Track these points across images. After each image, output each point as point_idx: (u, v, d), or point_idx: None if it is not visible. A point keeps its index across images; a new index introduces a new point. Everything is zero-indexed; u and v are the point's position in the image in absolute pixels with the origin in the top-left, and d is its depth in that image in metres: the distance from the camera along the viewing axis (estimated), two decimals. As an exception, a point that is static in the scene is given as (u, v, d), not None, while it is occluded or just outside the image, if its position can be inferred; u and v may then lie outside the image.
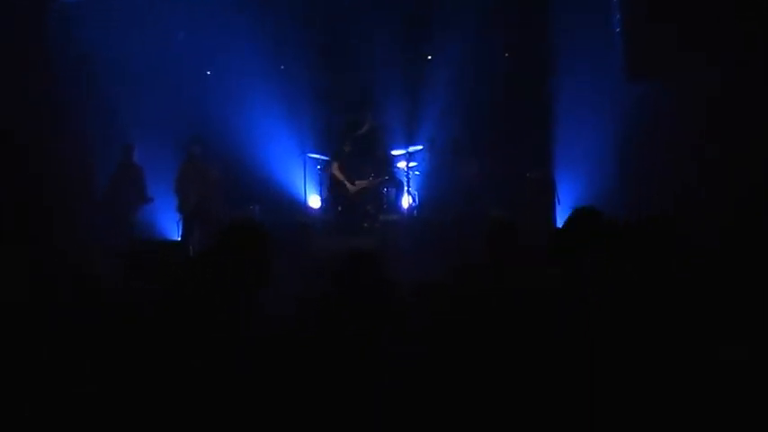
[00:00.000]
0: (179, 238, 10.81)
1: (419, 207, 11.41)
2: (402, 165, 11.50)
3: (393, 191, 11.42)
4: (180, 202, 10.89)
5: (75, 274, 4.15)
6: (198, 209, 10.76)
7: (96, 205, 11.21)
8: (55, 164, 10.49)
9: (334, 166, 11.22)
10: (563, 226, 4.17)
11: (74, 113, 11.04)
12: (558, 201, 10.31)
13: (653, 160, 9.93)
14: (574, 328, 3.45)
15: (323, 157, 11.69)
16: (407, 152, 11.49)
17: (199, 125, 11.55)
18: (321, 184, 11.76)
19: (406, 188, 11.37)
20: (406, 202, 11.43)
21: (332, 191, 11.28)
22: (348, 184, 11.08)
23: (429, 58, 12.22)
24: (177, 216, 11.01)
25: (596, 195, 10.44)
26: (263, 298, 3.79)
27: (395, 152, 11.61)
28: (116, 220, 10.87)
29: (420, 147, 11.64)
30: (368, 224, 10.87)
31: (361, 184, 11.11)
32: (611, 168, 10.48)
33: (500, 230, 4.80)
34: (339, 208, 11.16)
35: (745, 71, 8.76)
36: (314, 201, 11.94)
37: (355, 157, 11.20)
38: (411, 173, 11.44)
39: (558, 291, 3.79)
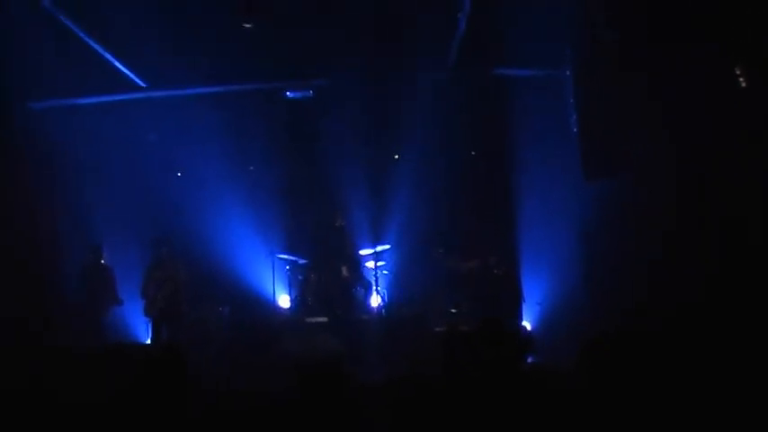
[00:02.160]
0: (149, 341, 10.76)
1: (388, 306, 11.43)
2: (370, 264, 11.54)
3: (362, 290, 11.45)
4: (147, 304, 10.85)
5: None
6: (165, 311, 10.72)
7: (69, 307, 11.17)
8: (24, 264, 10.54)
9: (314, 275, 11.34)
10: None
11: (41, 215, 11.13)
12: (524, 299, 10.34)
13: (617, 257, 10.00)
14: None
15: (291, 258, 11.73)
16: (375, 251, 11.55)
17: (168, 226, 11.60)
18: (290, 285, 11.78)
19: (374, 287, 11.42)
20: (374, 301, 11.47)
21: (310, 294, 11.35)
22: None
23: (396, 157, 12.39)
24: (146, 318, 10.97)
25: (561, 293, 10.54)
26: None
27: (363, 252, 11.68)
28: (88, 322, 10.81)
29: (387, 246, 11.73)
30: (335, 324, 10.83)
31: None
32: (575, 265, 10.57)
33: (454, 339, 4.84)
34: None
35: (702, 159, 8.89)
36: (283, 300, 11.93)
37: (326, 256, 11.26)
38: (379, 272, 11.49)
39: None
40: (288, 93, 11.25)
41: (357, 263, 11.49)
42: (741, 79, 7.92)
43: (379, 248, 11.66)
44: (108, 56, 10.14)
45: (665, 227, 9.29)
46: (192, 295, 11.16)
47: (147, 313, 10.86)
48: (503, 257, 10.72)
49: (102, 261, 11.29)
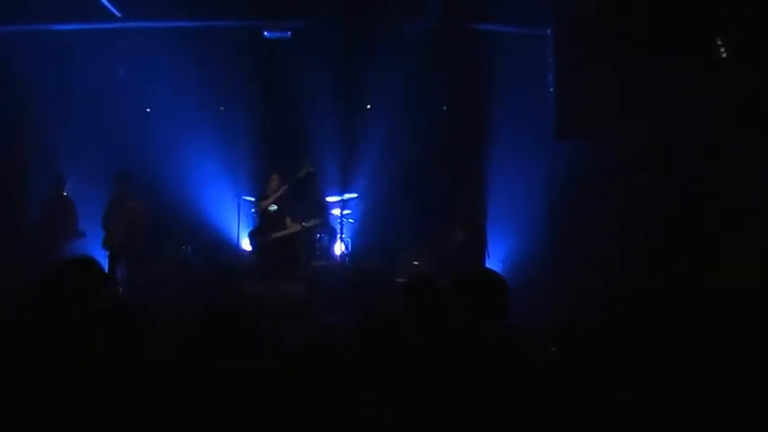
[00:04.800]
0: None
1: (351, 254, 11.44)
2: (336, 212, 11.51)
3: (326, 237, 11.43)
4: (106, 236, 10.73)
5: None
6: (123, 244, 10.59)
7: (26, 237, 11.02)
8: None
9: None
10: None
11: (3, 143, 10.96)
12: (489, 255, 10.38)
13: (581, 217, 10.10)
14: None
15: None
16: (342, 199, 11.52)
17: (135, 162, 11.43)
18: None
19: (339, 235, 11.40)
20: (338, 248, 11.46)
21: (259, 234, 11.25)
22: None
23: (368, 107, 12.31)
24: (104, 250, 10.83)
25: (526, 250, 10.62)
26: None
27: (330, 198, 11.64)
28: (47, 254, 10.65)
29: (355, 195, 11.70)
30: (298, 269, 10.77)
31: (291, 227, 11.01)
32: (541, 223, 10.66)
33: (419, 282, 4.85)
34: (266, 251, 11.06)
35: (672, 129, 8.97)
36: (247, 243, 11.86)
37: (289, 201, 11.15)
38: (345, 220, 11.47)
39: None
40: (265, 32, 11.10)
41: (323, 209, 11.44)
42: (722, 50, 7.96)
43: (347, 197, 11.62)
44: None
45: (630, 189, 9.42)
46: (151, 231, 11.02)
47: (105, 245, 10.73)
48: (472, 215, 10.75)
49: (65, 193, 11.13)
